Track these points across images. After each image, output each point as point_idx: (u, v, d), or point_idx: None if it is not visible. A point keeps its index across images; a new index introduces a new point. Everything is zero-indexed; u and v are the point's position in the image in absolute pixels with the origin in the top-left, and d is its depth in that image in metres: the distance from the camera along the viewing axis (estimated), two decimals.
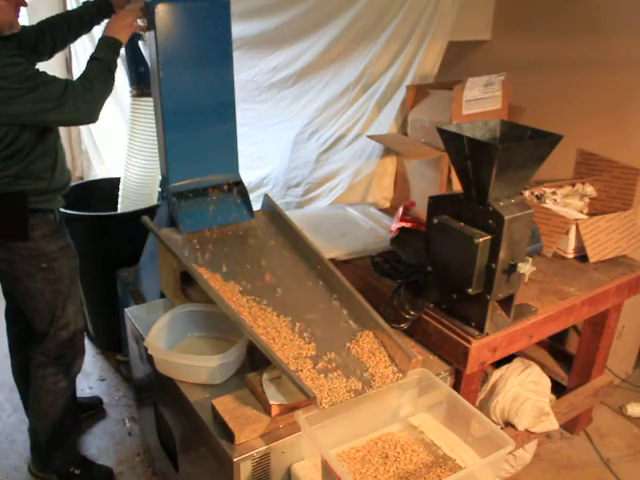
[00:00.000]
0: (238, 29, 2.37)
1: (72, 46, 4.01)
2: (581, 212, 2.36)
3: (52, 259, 1.92)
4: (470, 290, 1.71)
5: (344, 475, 1.32)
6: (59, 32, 2.03)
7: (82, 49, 3.83)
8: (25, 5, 1.77)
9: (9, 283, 1.99)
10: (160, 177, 2.16)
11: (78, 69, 4.06)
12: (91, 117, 1.78)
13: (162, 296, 2.07)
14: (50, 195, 1.89)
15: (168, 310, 1.87)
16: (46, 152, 1.84)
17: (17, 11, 1.76)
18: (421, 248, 1.91)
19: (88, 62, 1.80)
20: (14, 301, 2.05)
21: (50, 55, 2.06)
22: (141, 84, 2.47)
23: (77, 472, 2.18)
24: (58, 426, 2.12)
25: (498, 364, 2.06)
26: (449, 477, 1.39)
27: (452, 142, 1.70)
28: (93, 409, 2.55)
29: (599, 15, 2.48)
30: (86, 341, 3.02)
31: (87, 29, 2.10)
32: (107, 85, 1.80)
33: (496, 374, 2.09)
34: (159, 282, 2.03)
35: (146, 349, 1.72)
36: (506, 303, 1.81)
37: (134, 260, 2.36)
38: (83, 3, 2.08)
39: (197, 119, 1.99)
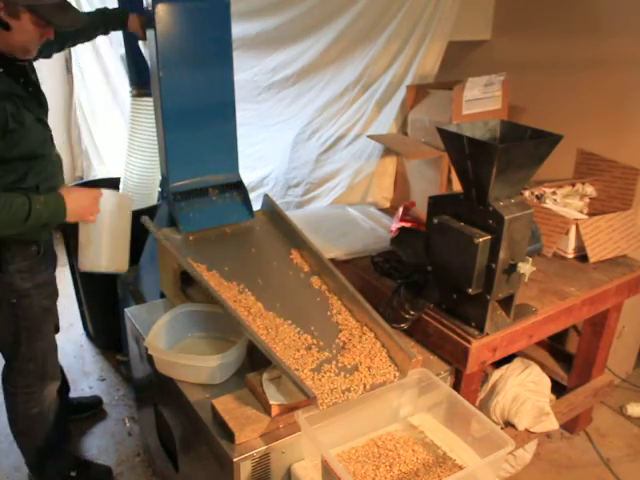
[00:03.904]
0: (238, 29, 2.38)
1: None
2: (581, 212, 2.36)
3: (24, 296, 1.81)
4: (470, 290, 1.71)
5: (344, 475, 1.32)
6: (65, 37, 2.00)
7: (82, 48, 3.83)
8: (51, 38, 1.69)
9: None
10: (160, 177, 2.16)
11: (78, 69, 4.07)
12: None
13: (162, 296, 2.07)
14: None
15: (168, 310, 1.87)
16: (26, 190, 1.69)
17: (41, 40, 1.68)
18: (421, 248, 1.91)
19: (21, 194, 1.63)
20: None
21: (49, 55, 2.02)
22: (141, 84, 2.47)
23: (73, 474, 2.16)
24: (41, 444, 2.08)
25: (498, 364, 2.06)
26: (449, 477, 1.39)
27: (452, 142, 1.70)
28: (93, 409, 2.55)
29: (599, 15, 2.48)
30: (86, 341, 3.04)
31: (87, 39, 2.10)
32: (7, 226, 1.62)
33: (496, 374, 2.09)
34: (159, 282, 2.04)
35: (146, 349, 1.72)
36: (506, 303, 1.81)
37: (134, 260, 2.36)
38: (93, 12, 2.06)
39: (197, 119, 1.99)
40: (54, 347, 2.02)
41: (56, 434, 2.12)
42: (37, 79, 1.83)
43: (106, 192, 1.80)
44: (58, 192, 1.72)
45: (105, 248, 1.81)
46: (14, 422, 2.06)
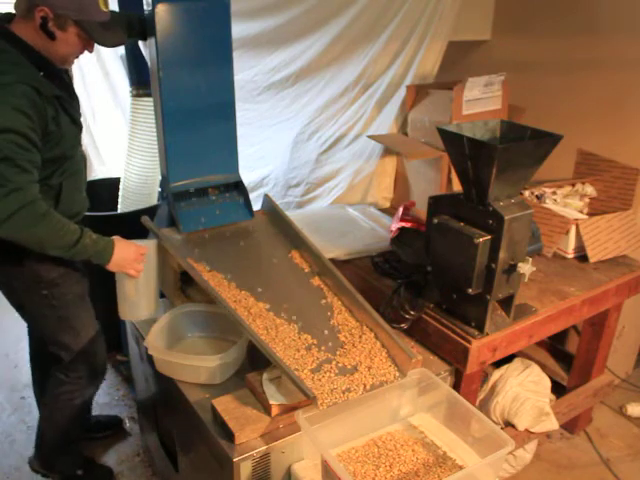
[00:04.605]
0: (238, 29, 2.37)
1: None
2: (581, 212, 2.36)
3: (53, 285, 1.81)
4: (470, 290, 1.71)
5: (344, 475, 1.32)
6: None
7: None
8: (91, 52, 1.72)
9: (15, 307, 1.92)
10: (160, 177, 2.16)
11: (78, 69, 4.06)
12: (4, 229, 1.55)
13: (162, 296, 2.07)
14: None
15: (168, 310, 1.87)
16: (51, 187, 1.73)
17: (81, 53, 1.71)
18: (421, 248, 1.91)
19: (79, 227, 1.66)
20: None
21: None
22: (141, 84, 2.47)
23: (79, 473, 2.17)
24: (66, 435, 2.10)
25: (498, 364, 2.06)
26: (449, 477, 1.39)
27: (452, 142, 1.70)
28: (112, 429, 2.47)
29: (599, 15, 2.48)
30: None
31: None
32: (53, 246, 1.63)
33: (496, 374, 2.09)
34: None
35: (146, 349, 1.72)
36: (506, 303, 1.81)
37: None
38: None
39: (197, 119, 1.99)
40: (101, 337, 2.01)
41: (77, 430, 2.14)
42: (70, 80, 1.84)
43: (149, 246, 1.82)
44: (110, 238, 1.74)
45: (143, 300, 1.85)
46: (51, 410, 2.05)
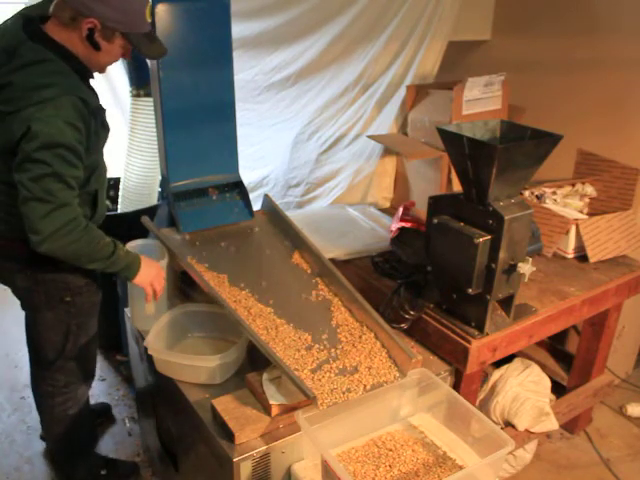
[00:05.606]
0: (238, 29, 2.37)
1: None
2: (581, 212, 2.36)
3: (77, 293, 1.83)
4: (470, 290, 1.71)
5: (344, 475, 1.32)
6: None
7: None
8: (128, 59, 1.71)
9: (27, 310, 1.91)
10: (160, 177, 2.16)
11: None
12: (39, 242, 1.52)
13: None
14: None
15: (168, 310, 1.87)
16: (89, 194, 1.74)
17: (117, 60, 1.71)
18: (421, 248, 1.91)
19: (111, 239, 1.67)
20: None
21: None
22: (141, 84, 2.47)
23: (103, 472, 2.16)
24: (76, 445, 2.10)
25: (498, 364, 2.06)
26: (449, 477, 1.39)
27: (452, 142, 1.70)
28: (104, 416, 2.50)
29: (598, 15, 2.48)
30: None
31: None
32: (91, 256, 1.62)
33: (496, 374, 2.09)
34: None
35: (146, 349, 1.72)
36: (506, 303, 1.81)
37: None
38: None
39: (197, 119, 1.99)
40: (97, 344, 2.02)
41: (89, 434, 2.13)
42: None
43: (163, 265, 1.86)
44: (135, 253, 1.76)
45: (157, 314, 1.88)
46: (51, 427, 2.05)
